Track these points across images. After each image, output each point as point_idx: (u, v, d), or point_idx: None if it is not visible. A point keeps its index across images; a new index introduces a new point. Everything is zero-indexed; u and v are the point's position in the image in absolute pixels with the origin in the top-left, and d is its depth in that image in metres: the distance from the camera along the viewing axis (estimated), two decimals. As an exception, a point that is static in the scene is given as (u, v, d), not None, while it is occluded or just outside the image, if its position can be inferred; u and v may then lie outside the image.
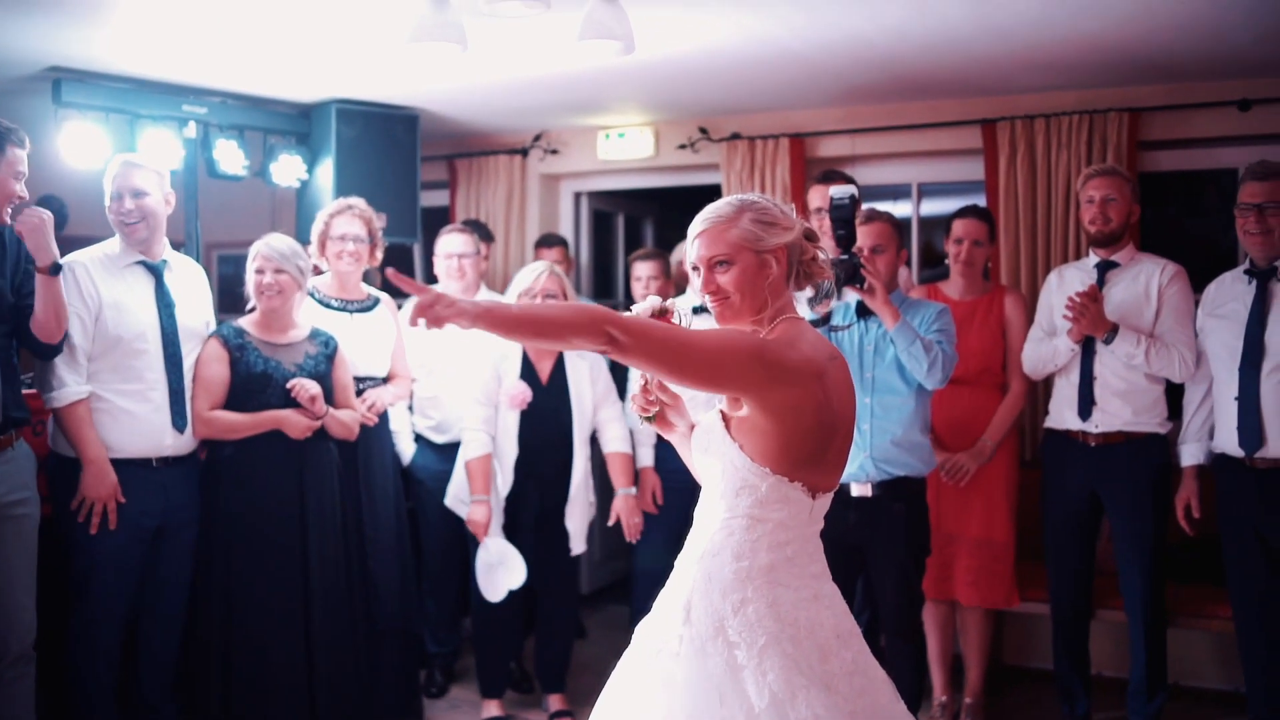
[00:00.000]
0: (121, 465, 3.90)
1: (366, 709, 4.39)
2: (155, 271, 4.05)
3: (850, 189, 3.74)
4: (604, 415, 4.72)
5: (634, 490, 4.75)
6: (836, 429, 2.36)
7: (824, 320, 3.87)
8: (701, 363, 2.25)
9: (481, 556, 4.55)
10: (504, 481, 4.59)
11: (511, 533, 4.58)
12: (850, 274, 3.73)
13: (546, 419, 4.60)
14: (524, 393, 4.54)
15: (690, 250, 2.43)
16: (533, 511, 4.63)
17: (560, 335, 2.22)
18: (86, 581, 3.88)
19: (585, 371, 4.68)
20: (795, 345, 2.33)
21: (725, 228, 2.38)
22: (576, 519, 4.66)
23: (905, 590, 4.02)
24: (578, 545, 4.69)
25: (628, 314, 2.29)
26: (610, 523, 4.75)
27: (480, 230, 5.73)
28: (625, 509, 4.69)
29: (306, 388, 4.13)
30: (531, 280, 4.53)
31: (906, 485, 3.99)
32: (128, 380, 3.94)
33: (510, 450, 4.57)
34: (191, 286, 4.21)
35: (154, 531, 4.00)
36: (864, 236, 3.96)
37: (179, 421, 4.02)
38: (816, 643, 2.31)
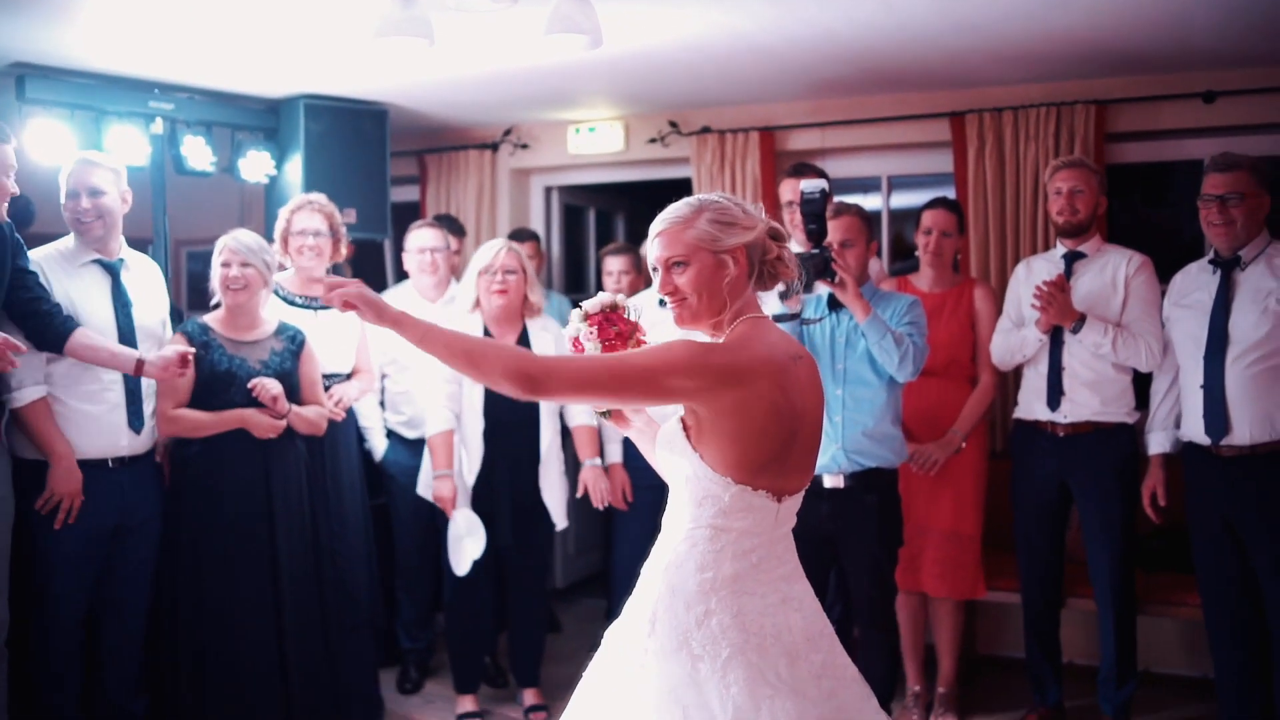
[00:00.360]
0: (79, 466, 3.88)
1: (333, 705, 4.38)
2: (112, 270, 4.02)
3: (821, 183, 3.75)
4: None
5: (599, 461, 4.75)
6: (799, 429, 2.35)
7: (795, 314, 3.87)
8: (632, 384, 2.25)
9: (450, 530, 4.55)
10: (473, 458, 4.58)
11: (489, 520, 4.57)
12: (821, 268, 3.74)
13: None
14: None
15: (650, 250, 2.43)
16: (508, 493, 4.61)
17: (473, 364, 2.26)
18: (46, 582, 3.86)
19: (550, 344, 4.68)
20: (747, 347, 2.31)
21: (682, 228, 2.36)
22: (552, 490, 4.66)
23: (878, 581, 4.03)
24: (559, 519, 4.70)
25: (551, 354, 2.33)
26: (579, 494, 4.74)
27: (451, 225, 5.72)
28: (592, 478, 4.70)
29: (267, 388, 4.10)
30: (490, 257, 4.56)
31: (878, 476, 4.01)
32: (84, 380, 3.91)
33: (476, 424, 4.56)
34: (148, 285, 4.18)
35: (111, 531, 3.98)
36: (834, 231, 3.97)
37: (135, 422, 4.00)
38: (784, 648, 2.30)
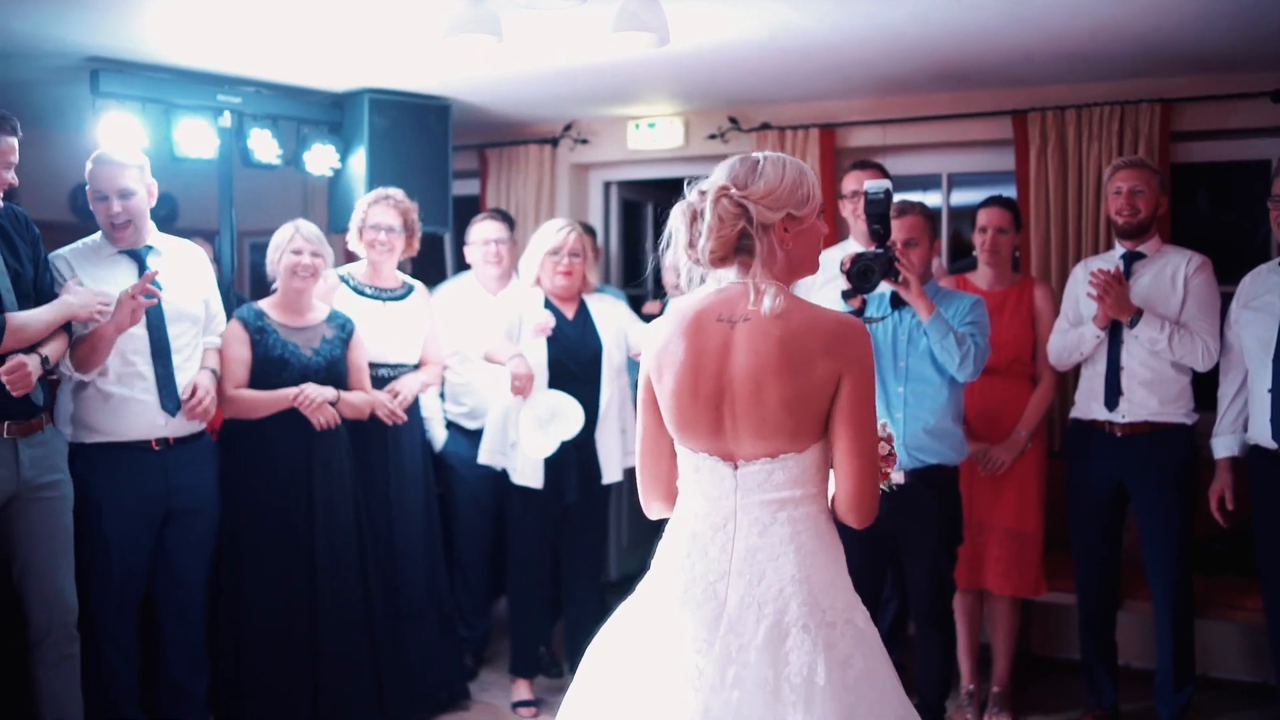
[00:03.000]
0: (122, 448, 3.96)
1: (402, 693, 4.48)
2: (138, 258, 4.06)
3: (885, 183, 3.76)
4: (633, 338, 4.83)
5: None
6: (697, 392, 2.34)
7: (858, 313, 3.89)
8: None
9: (527, 413, 4.56)
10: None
11: (558, 477, 4.65)
12: (885, 268, 3.75)
13: (574, 344, 4.69)
14: (548, 319, 4.62)
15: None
16: (574, 450, 4.66)
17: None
18: (92, 566, 3.92)
19: (609, 307, 4.82)
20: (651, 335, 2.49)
21: None
22: (607, 443, 4.71)
23: (936, 579, 4.03)
24: (611, 473, 4.74)
25: None
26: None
27: (503, 219, 5.76)
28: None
29: (311, 399, 4.20)
30: (560, 240, 4.68)
31: (939, 473, 4.01)
32: (112, 363, 3.94)
33: (541, 378, 4.61)
34: (185, 268, 4.19)
35: (163, 515, 4.05)
36: (898, 230, 3.98)
37: (168, 404, 4.02)
38: (657, 604, 2.41)
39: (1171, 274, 4.34)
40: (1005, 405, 4.60)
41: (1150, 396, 4.32)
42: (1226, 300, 4.35)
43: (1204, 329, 4.24)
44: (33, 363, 3.50)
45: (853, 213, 4.62)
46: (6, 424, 3.56)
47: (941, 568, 4.04)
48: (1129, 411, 4.35)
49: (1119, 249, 4.47)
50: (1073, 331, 4.47)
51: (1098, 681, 4.53)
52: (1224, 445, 4.27)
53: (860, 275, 3.74)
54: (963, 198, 6.15)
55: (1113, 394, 4.37)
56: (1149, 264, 4.39)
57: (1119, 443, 4.38)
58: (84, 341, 3.82)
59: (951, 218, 5.94)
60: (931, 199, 5.74)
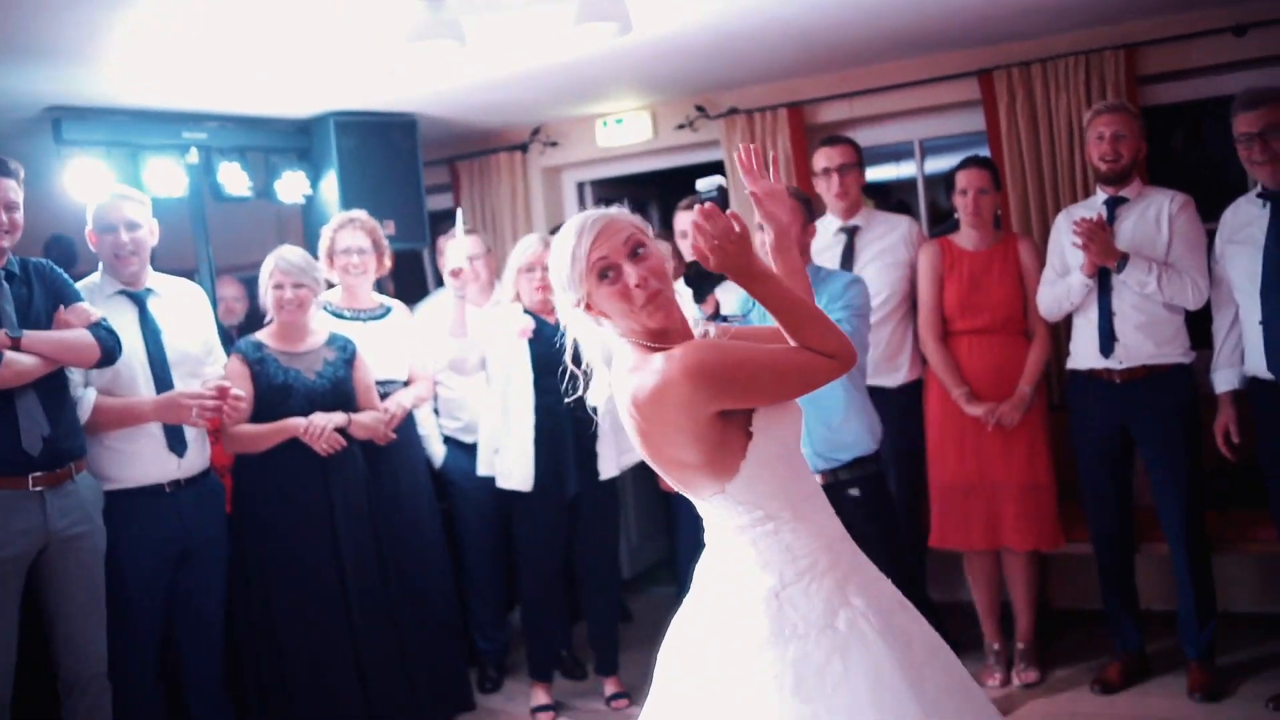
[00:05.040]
0: (133, 494, 3.93)
1: (416, 706, 4.44)
2: (138, 300, 4.05)
3: (717, 179, 3.52)
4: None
5: None
6: None
7: (715, 314, 3.81)
8: None
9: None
10: (526, 414, 4.62)
11: (558, 475, 4.62)
12: None
13: (560, 343, 4.65)
14: (528, 322, 4.61)
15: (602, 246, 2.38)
16: (573, 442, 4.64)
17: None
18: (112, 612, 3.89)
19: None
20: None
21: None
22: (603, 440, 4.68)
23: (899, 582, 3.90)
24: (607, 469, 4.71)
25: None
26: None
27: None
28: None
29: (318, 428, 4.16)
30: (530, 256, 4.64)
31: (861, 465, 3.90)
32: None
33: (524, 376, 4.60)
34: (184, 311, 4.20)
35: (178, 556, 4.03)
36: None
37: (177, 447, 4.01)
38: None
39: (1155, 215, 4.34)
40: (1004, 363, 4.58)
41: (1145, 340, 4.32)
42: (1211, 237, 4.36)
43: (1192, 267, 4.24)
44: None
45: (827, 189, 4.59)
46: (31, 476, 3.55)
47: (896, 569, 3.88)
48: (1125, 357, 4.35)
49: (1100, 195, 4.47)
50: (1061, 282, 4.47)
51: (1121, 627, 4.53)
52: (1224, 379, 4.27)
53: (699, 276, 3.66)
54: (937, 164, 6.15)
55: (1107, 341, 4.37)
56: (1132, 207, 4.40)
57: (1118, 389, 4.38)
58: (110, 410, 3.85)
59: (927, 185, 5.93)
60: (905, 169, 5.74)
